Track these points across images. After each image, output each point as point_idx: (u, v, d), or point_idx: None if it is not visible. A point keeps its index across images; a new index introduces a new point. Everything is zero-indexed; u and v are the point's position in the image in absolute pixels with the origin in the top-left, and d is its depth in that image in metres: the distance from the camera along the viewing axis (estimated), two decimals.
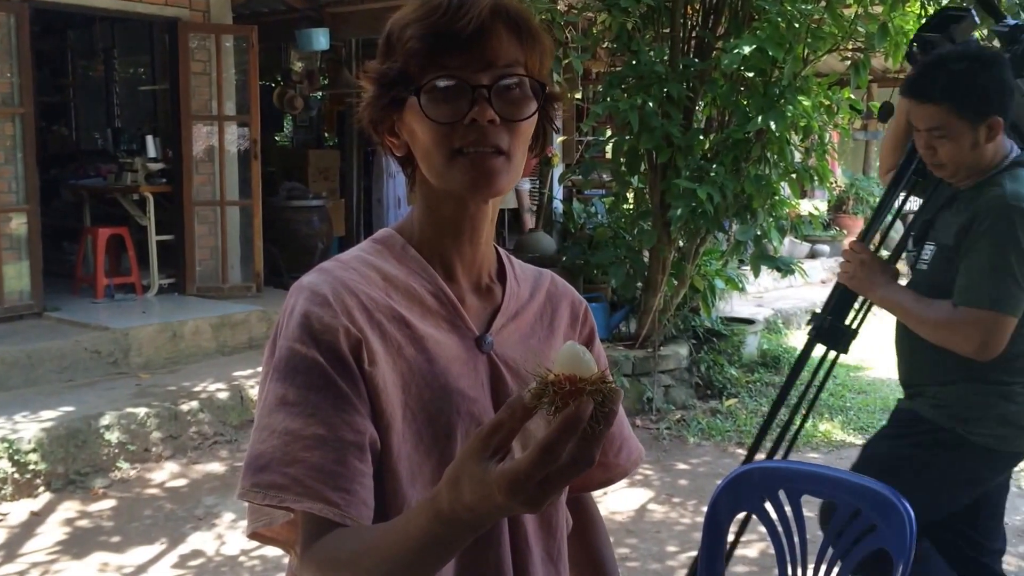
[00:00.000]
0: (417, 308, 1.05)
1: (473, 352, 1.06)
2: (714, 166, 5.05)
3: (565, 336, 1.18)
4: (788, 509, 2.06)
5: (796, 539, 2.05)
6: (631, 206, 6.26)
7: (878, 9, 4.82)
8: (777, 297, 8.89)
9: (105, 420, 4.42)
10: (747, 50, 4.61)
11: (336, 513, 0.92)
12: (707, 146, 5.36)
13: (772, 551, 3.72)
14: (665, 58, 5.16)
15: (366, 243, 1.10)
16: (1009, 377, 2.28)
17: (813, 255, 10.25)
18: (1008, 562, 3.70)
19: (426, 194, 1.06)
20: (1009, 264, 2.13)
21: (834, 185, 9.73)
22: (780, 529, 2.05)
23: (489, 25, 0.97)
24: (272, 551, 3.64)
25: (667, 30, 5.29)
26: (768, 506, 2.07)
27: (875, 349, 7.58)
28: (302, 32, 7.45)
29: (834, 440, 5.22)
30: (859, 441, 5.22)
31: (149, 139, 7.21)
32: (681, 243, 5.47)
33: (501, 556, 1.04)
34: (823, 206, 10.56)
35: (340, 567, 0.90)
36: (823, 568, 2.01)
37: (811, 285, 9.60)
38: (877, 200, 10.07)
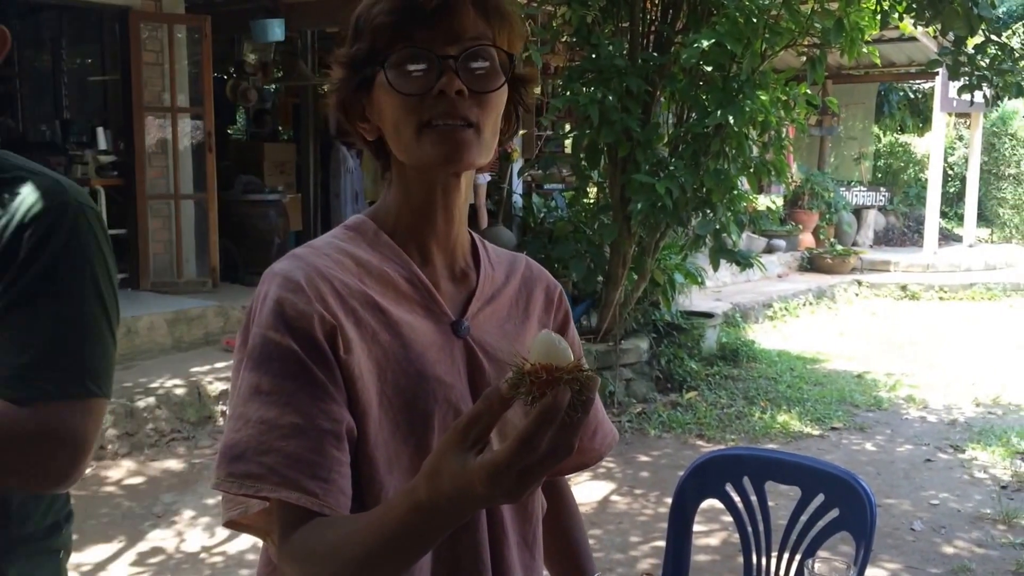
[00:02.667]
0: (391, 294, 1.03)
1: (449, 337, 1.05)
2: (673, 160, 5.08)
3: (540, 320, 1.17)
4: (754, 498, 2.09)
5: (761, 525, 2.07)
6: (591, 200, 6.28)
7: (834, 5, 4.89)
8: (735, 291, 9.00)
9: None
10: (706, 44, 4.64)
11: (314, 502, 0.91)
12: (666, 140, 5.40)
13: (734, 539, 3.78)
14: (624, 52, 5.18)
15: (338, 229, 1.09)
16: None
17: (770, 250, 10.41)
18: (960, 547, 3.80)
19: (399, 177, 1.06)
20: (98, 311, 1.18)
21: (791, 180, 9.86)
22: (745, 515, 2.08)
23: (455, 1, 0.97)
24: (233, 547, 3.61)
25: (626, 24, 5.31)
26: (733, 494, 2.10)
27: (830, 342, 7.75)
28: (257, 22, 7.34)
29: (792, 431, 5.30)
30: (816, 432, 5.31)
31: (100, 131, 7.05)
32: (641, 237, 5.50)
33: (478, 541, 1.04)
34: (779, 201, 10.71)
35: (319, 558, 0.89)
36: (787, 552, 2.04)
37: (767, 279, 9.74)
38: (832, 195, 10.23)
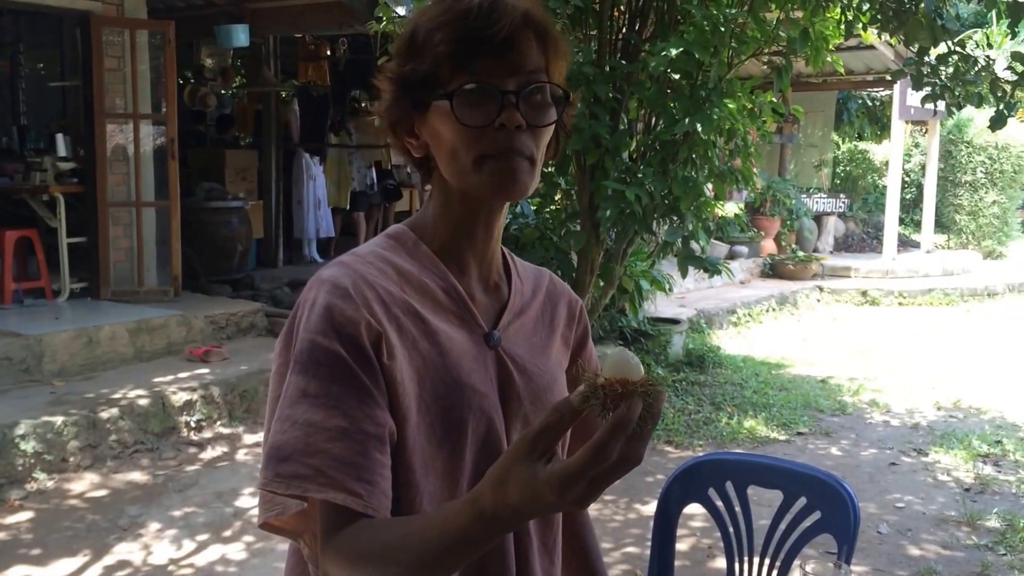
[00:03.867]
0: (430, 303, 1.07)
1: (482, 348, 1.09)
2: (642, 168, 5.10)
3: (563, 334, 1.22)
4: (737, 503, 2.10)
5: (743, 528, 2.09)
6: (558, 207, 6.28)
7: (799, 15, 4.94)
8: (699, 298, 9.07)
9: (20, 430, 4.21)
10: (674, 53, 4.67)
11: (359, 503, 0.94)
12: (633, 147, 5.42)
13: (702, 544, 3.81)
14: (593, 59, 5.19)
15: (379, 238, 1.12)
16: None
17: (732, 256, 10.48)
18: (926, 549, 3.85)
19: (443, 194, 1.09)
20: None
21: (756, 187, 9.95)
22: (728, 519, 2.09)
23: (520, 32, 1.00)
24: (202, 559, 3.56)
25: (594, 32, 5.32)
26: (716, 499, 2.10)
27: (794, 348, 7.83)
28: (222, 28, 7.27)
29: (758, 436, 5.34)
30: (783, 437, 5.36)
31: (59, 137, 6.93)
32: (609, 244, 5.51)
33: (505, 546, 1.08)
34: (742, 207, 10.79)
35: (370, 559, 0.92)
36: (769, 556, 2.05)
37: (730, 285, 9.82)
38: (793, 202, 10.31)
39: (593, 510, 4.25)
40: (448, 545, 0.87)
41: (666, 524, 2.06)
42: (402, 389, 1.00)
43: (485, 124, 1.00)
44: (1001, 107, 4.57)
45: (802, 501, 2.01)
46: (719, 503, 2.09)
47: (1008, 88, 4.59)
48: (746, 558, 2.08)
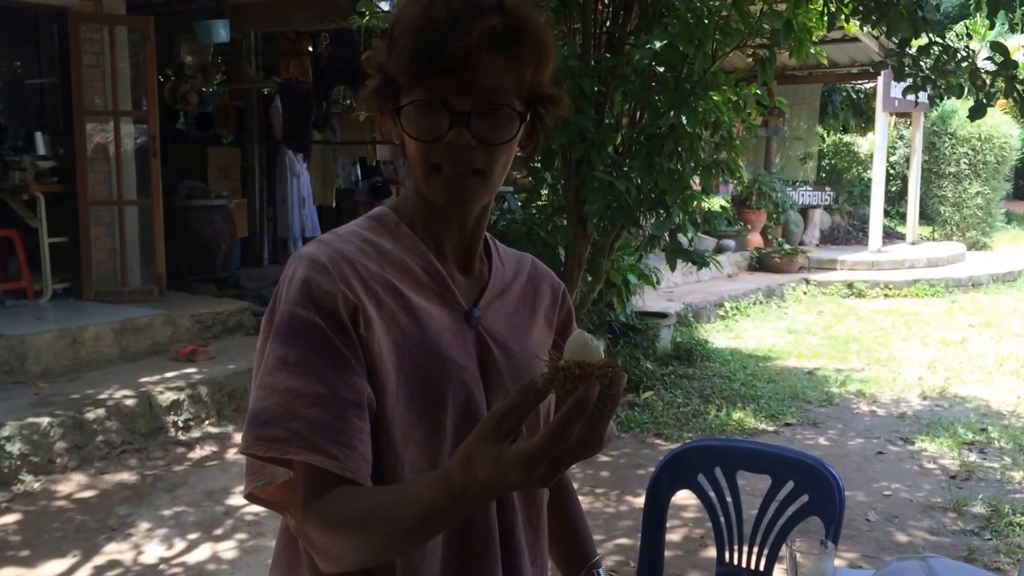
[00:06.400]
0: (410, 281, 1.10)
1: (462, 325, 1.12)
2: (627, 161, 5.09)
3: (546, 316, 1.24)
4: (727, 488, 2.11)
5: (732, 512, 2.10)
6: (545, 202, 6.28)
7: (783, 7, 4.95)
8: (686, 291, 9.09)
9: (4, 431, 4.18)
10: (658, 45, 4.67)
11: (337, 466, 0.96)
12: (619, 141, 5.41)
13: (694, 535, 3.82)
14: (577, 53, 5.19)
15: (362, 219, 1.16)
16: None
17: (720, 250, 10.49)
18: (914, 536, 3.88)
19: (417, 182, 1.11)
20: None
21: (742, 180, 9.96)
22: (717, 504, 2.10)
23: (475, 52, 1.00)
24: (193, 557, 3.54)
25: (578, 25, 5.32)
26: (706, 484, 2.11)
27: (781, 340, 7.86)
28: (201, 24, 7.21)
29: (747, 428, 5.36)
30: (771, 428, 5.38)
31: (38, 136, 6.84)
32: (596, 238, 5.51)
33: (489, 520, 1.11)
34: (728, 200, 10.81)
35: (347, 525, 0.94)
36: (759, 538, 2.07)
37: (717, 279, 9.84)
38: (779, 195, 10.30)
39: (584, 502, 4.24)
40: (420, 517, 0.89)
41: (656, 510, 2.07)
42: (380, 360, 1.03)
43: (433, 139, 1.02)
44: (980, 96, 4.59)
45: (790, 485, 2.03)
46: (712, 494, 2.10)
47: (988, 79, 4.61)
48: (736, 542, 2.09)
